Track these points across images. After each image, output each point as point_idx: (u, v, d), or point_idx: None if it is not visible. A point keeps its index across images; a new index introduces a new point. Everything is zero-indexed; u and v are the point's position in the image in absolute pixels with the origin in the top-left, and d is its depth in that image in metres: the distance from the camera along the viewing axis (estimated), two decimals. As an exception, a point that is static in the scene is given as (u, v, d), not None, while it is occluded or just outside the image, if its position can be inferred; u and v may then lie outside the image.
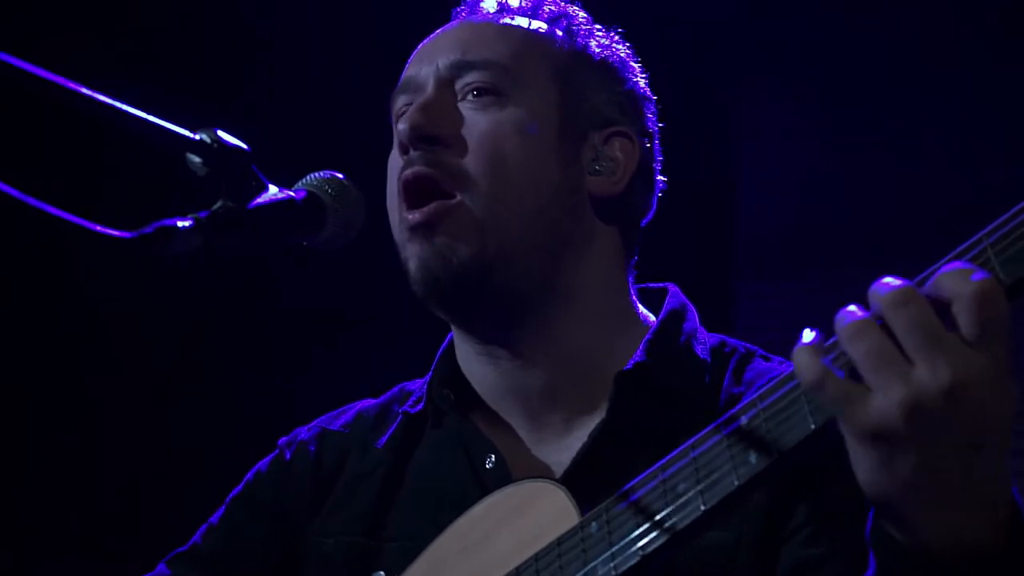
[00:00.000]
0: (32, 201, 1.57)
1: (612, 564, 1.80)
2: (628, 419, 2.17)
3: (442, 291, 2.20)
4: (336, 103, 5.02)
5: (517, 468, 2.22)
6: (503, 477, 2.19)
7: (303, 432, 2.45)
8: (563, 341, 2.25)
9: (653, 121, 2.41)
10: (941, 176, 5.69)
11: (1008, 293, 1.55)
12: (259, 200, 1.84)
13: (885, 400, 1.54)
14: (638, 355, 2.23)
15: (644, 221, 2.39)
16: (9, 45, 1.67)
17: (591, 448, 2.18)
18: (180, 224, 1.73)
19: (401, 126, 2.23)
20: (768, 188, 6.34)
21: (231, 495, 2.44)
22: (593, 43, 2.38)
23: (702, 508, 1.73)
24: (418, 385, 2.42)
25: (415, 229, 2.20)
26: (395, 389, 2.47)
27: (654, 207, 2.41)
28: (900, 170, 5.87)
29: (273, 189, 1.86)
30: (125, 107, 1.71)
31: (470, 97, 2.26)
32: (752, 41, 6.12)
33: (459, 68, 2.28)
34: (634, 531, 1.78)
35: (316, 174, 1.95)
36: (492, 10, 2.38)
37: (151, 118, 1.73)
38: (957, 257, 1.57)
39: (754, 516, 2.06)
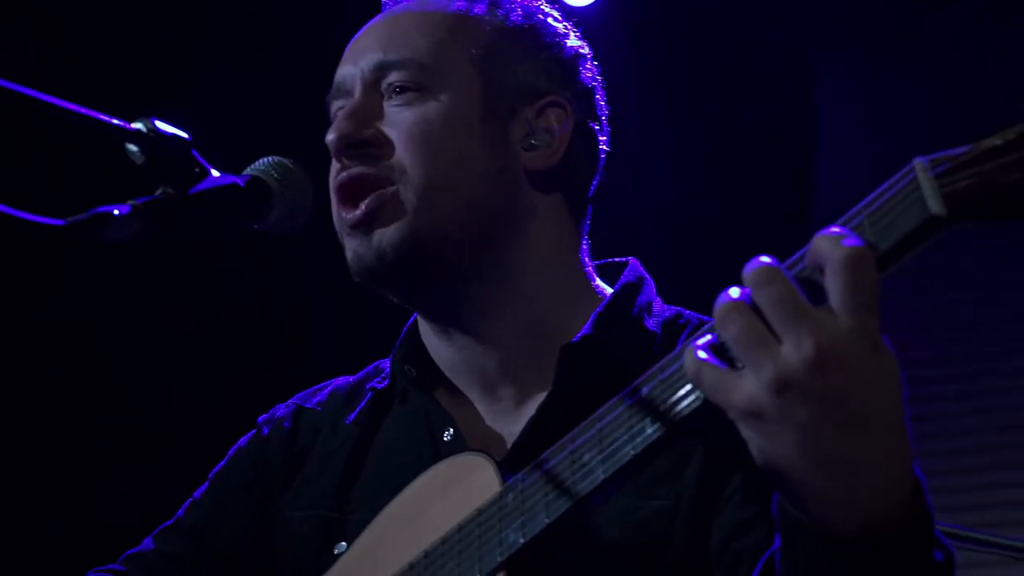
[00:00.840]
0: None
1: (523, 531, 1.87)
2: (574, 390, 2.23)
3: (379, 279, 2.30)
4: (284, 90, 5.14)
5: (473, 440, 2.29)
6: (459, 449, 2.26)
7: (280, 409, 2.53)
8: (512, 317, 2.32)
9: (589, 78, 2.44)
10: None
11: (881, 262, 1.57)
12: (201, 186, 1.91)
13: (756, 381, 1.57)
14: (586, 328, 2.30)
15: (592, 186, 2.43)
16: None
17: (538, 420, 2.25)
18: (116, 211, 1.81)
19: (330, 136, 2.31)
20: (847, 150, 6.37)
21: (214, 471, 2.53)
22: (513, 13, 2.42)
23: (602, 477, 1.79)
24: (388, 362, 2.49)
25: (355, 226, 2.28)
26: (370, 367, 2.55)
27: (600, 169, 2.44)
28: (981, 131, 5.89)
29: (216, 175, 1.94)
30: (60, 102, 1.79)
31: (394, 96, 2.33)
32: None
33: (381, 69, 2.34)
34: (543, 499, 1.86)
35: (263, 159, 2.02)
36: None
37: (86, 111, 1.81)
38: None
39: (691, 483, 2.13)
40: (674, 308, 2.40)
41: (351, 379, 2.55)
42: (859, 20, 6.38)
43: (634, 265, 2.45)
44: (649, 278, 2.44)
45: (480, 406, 2.35)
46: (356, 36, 2.44)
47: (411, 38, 2.36)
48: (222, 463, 2.53)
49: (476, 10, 2.40)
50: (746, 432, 1.62)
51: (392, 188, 2.27)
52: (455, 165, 2.30)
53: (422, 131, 2.29)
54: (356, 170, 2.30)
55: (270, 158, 2.02)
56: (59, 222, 1.74)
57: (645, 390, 1.75)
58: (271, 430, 2.50)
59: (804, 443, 1.57)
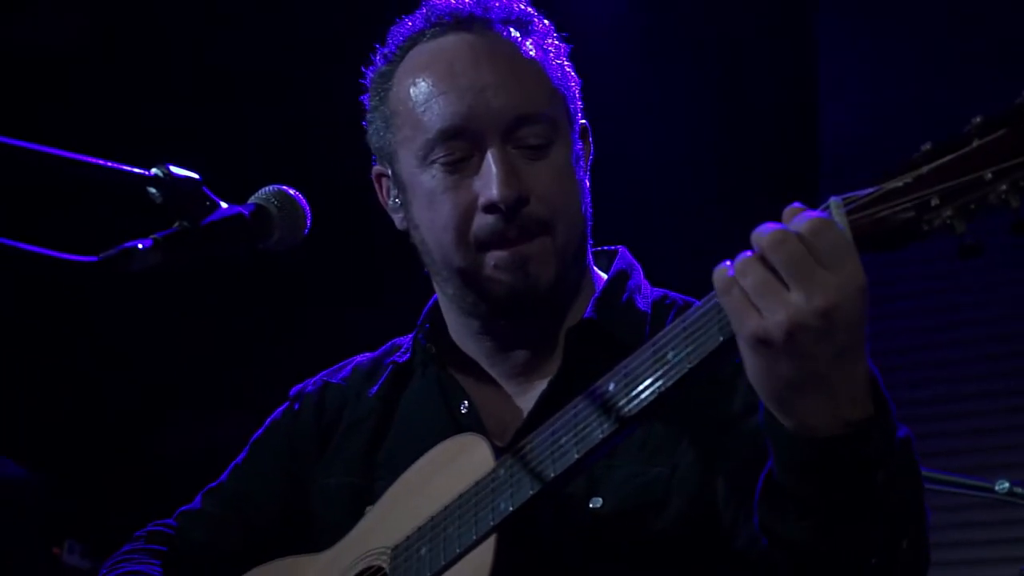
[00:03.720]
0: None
1: (511, 500, 2.21)
2: (579, 368, 2.49)
3: (525, 306, 2.53)
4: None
5: (487, 413, 2.58)
6: (475, 421, 2.56)
7: (309, 385, 2.82)
8: (556, 319, 2.60)
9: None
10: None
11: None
12: (211, 217, 2.23)
13: (770, 320, 1.88)
14: (587, 311, 2.58)
15: None
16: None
17: (548, 395, 2.52)
18: (140, 245, 2.15)
19: (497, 194, 2.47)
20: (849, 90, 6.54)
21: (252, 438, 2.84)
22: (558, 46, 2.64)
23: (575, 456, 2.14)
24: (407, 339, 2.78)
25: (514, 266, 2.51)
26: (388, 344, 2.83)
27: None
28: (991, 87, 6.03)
29: (224, 206, 2.28)
30: (87, 159, 2.13)
31: (526, 150, 2.51)
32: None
33: (518, 123, 2.50)
34: (528, 474, 2.19)
35: (264, 189, 2.29)
36: (503, 22, 2.58)
37: (110, 165, 2.15)
38: None
39: (688, 451, 2.41)
40: (660, 290, 2.68)
41: (371, 355, 2.82)
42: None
43: (623, 252, 2.73)
44: (637, 264, 2.72)
45: (500, 384, 2.62)
46: (461, 64, 2.53)
47: (538, 90, 2.54)
48: (259, 432, 2.83)
49: (549, 52, 2.60)
50: (752, 357, 1.94)
51: (547, 238, 2.51)
52: (576, 208, 2.57)
53: (559, 185, 2.52)
54: (518, 223, 2.49)
55: (270, 187, 2.29)
56: (92, 258, 2.10)
57: (611, 386, 2.11)
58: (302, 404, 2.78)
59: (803, 371, 1.90)
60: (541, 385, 2.56)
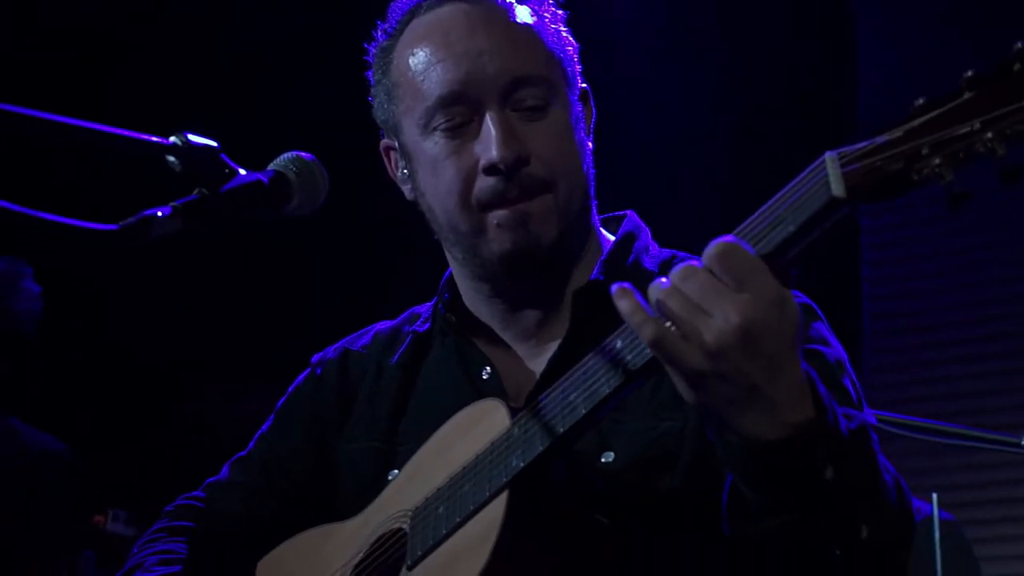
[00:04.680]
0: (22, 209, 2.06)
1: (523, 457, 2.27)
2: (588, 329, 2.55)
3: (527, 265, 2.58)
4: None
5: (507, 378, 2.64)
6: (496, 386, 2.63)
7: (330, 352, 2.88)
8: (563, 281, 2.66)
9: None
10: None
11: (794, 236, 1.97)
12: (230, 184, 2.29)
13: (696, 345, 1.96)
14: (594, 273, 2.64)
15: None
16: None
17: (558, 356, 2.58)
18: (159, 213, 2.20)
19: (496, 155, 2.52)
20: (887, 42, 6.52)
21: (277, 406, 2.90)
22: (551, 8, 2.69)
23: (583, 412, 2.20)
24: (426, 308, 2.84)
25: (517, 224, 2.55)
26: (407, 312, 2.89)
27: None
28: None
29: (243, 173, 2.33)
30: (105, 128, 2.19)
31: (524, 111, 2.56)
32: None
33: (514, 85, 2.55)
34: (539, 430, 2.25)
35: (282, 155, 2.32)
36: None
37: (128, 133, 2.21)
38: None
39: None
40: (669, 251, 2.72)
41: (390, 324, 2.88)
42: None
43: (631, 216, 2.79)
44: (645, 226, 2.78)
45: (514, 347, 2.68)
46: (455, 31, 2.59)
47: (533, 53, 2.59)
48: (283, 400, 2.89)
49: (545, 13, 2.66)
50: (683, 383, 2.02)
51: (548, 195, 2.56)
52: (578, 168, 2.62)
53: (558, 145, 2.57)
54: (518, 183, 2.54)
55: (289, 154, 2.32)
56: (112, 227, 2.15)
57: (618, 342, 2.16)
58: (324, 371, 2.84)
59: (738, 385, 1.97)
60: (552, 347, 2.62)
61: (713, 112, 6.46)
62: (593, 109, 2.74)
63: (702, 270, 1.97)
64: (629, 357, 2.13)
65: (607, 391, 2.16)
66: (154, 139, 2.23)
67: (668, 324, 1.99)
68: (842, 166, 1.90)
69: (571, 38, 2.71)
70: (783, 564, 2.14)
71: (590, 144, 2.69)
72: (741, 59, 6.54)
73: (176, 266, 5.82)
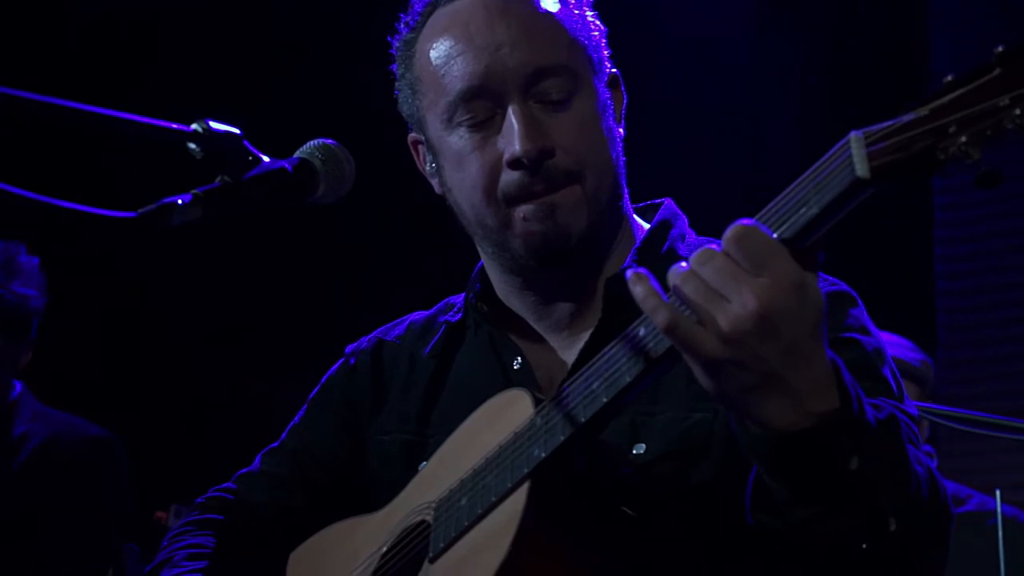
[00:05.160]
0: (41, 197, 2.04)
1: (544, 447, 2.23)
2: (620, 318, 2.42)
3: (557, 258, 2.54)
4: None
5: (539, 368, 2.61)
6: (528, 376, 2.60)
7: (364, 342, 2.86)
8: (595, 271, 2.62)
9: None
10: None
11: (817, 218, 1.90)
12: (253, 172, 2.26)
13: (713, 334, 1.90)
14: (627, 261, 2.59)
15: None
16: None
17: (590, 346, 2.54)
18: (180, 200, 2.18)
19: (520, 149, 2.48)
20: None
21: (310, 396, 2.88)
22: None
23: (604, 400, 2.15)
24: (460, 298, 2.81)
25: (545, 216, 2.51)
26: (442, 303, 2.87)
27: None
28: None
29: (267, 160, 2.30)
30: (126, 116, 2.16)
31: (547, 103, 2.52)
32: None
33: (536, 76, 2.51)
34: (561, 420, 2.21)
35: (308, 143, 2.29)
36: None
37: (149, 121, 2.18)
38: None
39: None
40: (707, 238, 2.65)
41: (425, 314, 2.86)
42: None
43: (668, 203, 2.73)
44: (682, 214, 2.72)
45: (548, 339, 2.64)
46: (474, 23, 2.54)
47: (555, 42, 2.54)
48: (316, 390, 2.87)
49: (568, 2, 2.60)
50: (701, 371, 1.96)
51: (576, 186, 2.51)
52: (606, 158, 2.57)
53: (584, 136, 2.53)
54: (543, 176, 2.50)
55: (315, 141, 2.29)
56: (131, 214, 2.13)
57: (641, 330, 2.12)
58: (357, 361, 2.83)
59: (756, 372, 1.92)
60: (585, 337, 2.58)
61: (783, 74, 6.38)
62: (624, 94, 2.68)
63: (720, 254, 1.92)
64: (651, 345, 2.08)
65: (628, 379, 2.12)
66: (174, 126, 2.21)
67: (684, 310, 1.94)
68: (867, 146, 1.84)
69: (598, 22, 2.66)
70: (811, 557, 2.08)
71: (621, 131, 2.64)
72: (812, 13, 6.46)
73: (219, 257, 5.85)
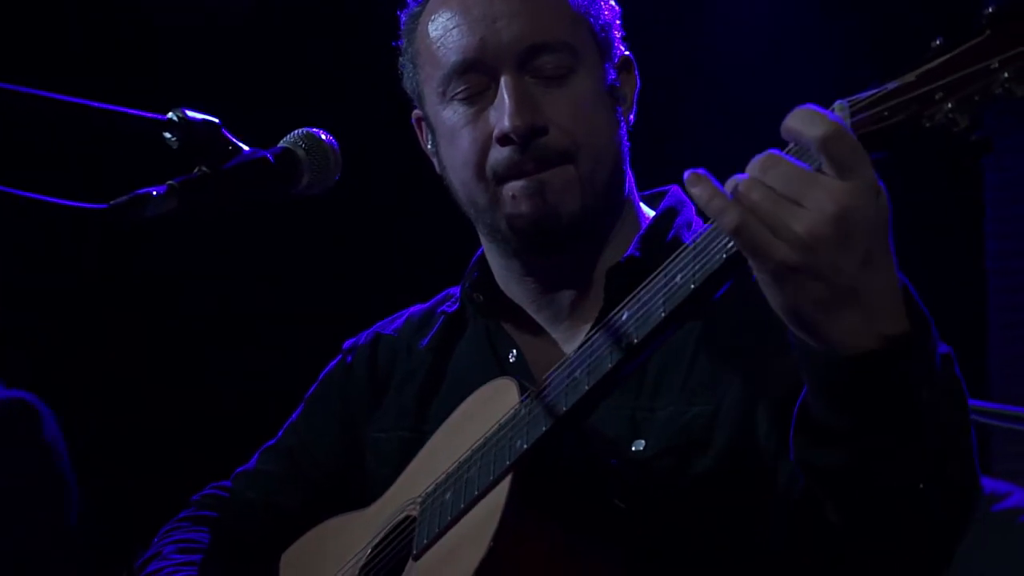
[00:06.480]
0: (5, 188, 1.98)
1: (526, 438, 2.17)
2: None
3: (548, 240, 2.47)
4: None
5: (535, 360, 2.53)
6: (523, 369, 2.52)
7: (362, 337, 2.80)
8: (597, 259, 2.54)
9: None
10: None
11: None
12: (233, 162, 2.20)
13: (786, 242, 1.76)
14: (630, 250, 2.51)
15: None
16: None
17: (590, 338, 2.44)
18: (154, 192, 2.11)
19: (509, 124, 2.41)
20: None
21: (307, 395, 2.82)
22: None
23: (586, 388, 2.09)
24: (459, 288, 2.73)
25: (535, 194, 2.44)
26: (442, 293, 2.80)
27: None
28: None
29: (247, 150, 2.23)
30: (99, 105, 2.11)
31: (543, 79, 2.44)
32: None
33: (533, 51, 2.44)
34: (543, 410, 2.16)
35: (292, 132, 2.23)
36: None
37: (122, 110, 2.13)
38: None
39: (730, 390, 2.33)
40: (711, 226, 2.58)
41: (424, 306, 2.79)
42: None
43: (674, 190, 2.64)
44: (689, 201, 2.62)
45: (548, 330, 2.57)
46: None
47: (555, 17, 2.47)
48: (313, 387, 2.82)
49: None
50: (771, 283, 1.81)
51: (569, 166, 2.44)
52: (605, 140, 2.49)
53: (580, 115, 2.44)
54: (534, 154, 2.42)
55: (299, 130, 2.23)
56: (101, 206, 2.06)
57: (624, 315, 2.05)
58: (355, 357, 2.77)
59: (830, 284, 1.77)
60: (585, 329, 2.50)
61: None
62: (637, 79, 2.60)
63: (785, 160, 1.77)
64: (633, 329, 2.00)
65: (610, 365, 2.05)
66: (149, 115, 2.15)
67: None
68: (852, 115, 1.74)
69: (611, 3, 2.59)
70: (846, 502, 1.96)
71: (631, 116, 2.57)
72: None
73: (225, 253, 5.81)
